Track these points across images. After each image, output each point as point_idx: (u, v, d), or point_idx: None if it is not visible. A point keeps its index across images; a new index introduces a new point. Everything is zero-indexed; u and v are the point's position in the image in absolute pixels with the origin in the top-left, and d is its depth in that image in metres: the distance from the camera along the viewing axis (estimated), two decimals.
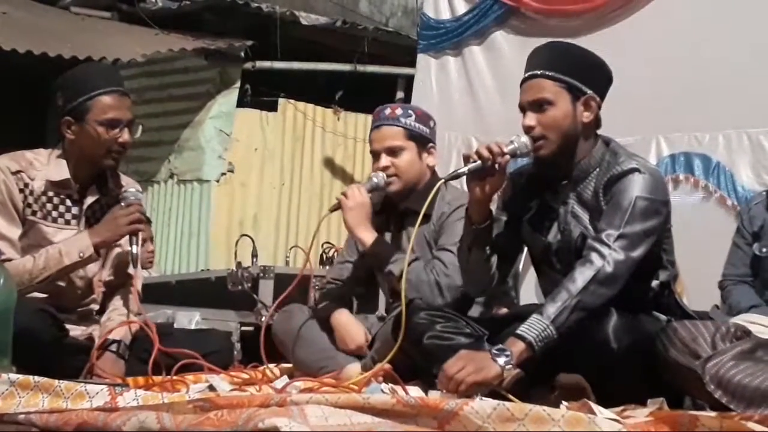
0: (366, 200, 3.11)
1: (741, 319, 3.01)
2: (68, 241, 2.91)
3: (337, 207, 3.13)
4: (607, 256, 2.52)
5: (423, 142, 3.24)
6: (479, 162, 2.62)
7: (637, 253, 2.55)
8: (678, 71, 4.72)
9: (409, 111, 3.26)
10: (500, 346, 2.44)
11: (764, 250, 3.77)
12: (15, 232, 2.91)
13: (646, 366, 2.51)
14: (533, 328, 2.45)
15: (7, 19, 6.77)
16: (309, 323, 3.25)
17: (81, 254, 2.88)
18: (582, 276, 2.50)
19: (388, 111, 3.25)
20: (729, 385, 2.37)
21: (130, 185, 3.04)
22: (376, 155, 3.22)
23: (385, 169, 3.18)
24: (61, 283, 2.97)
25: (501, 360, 2.40)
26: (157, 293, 3.91)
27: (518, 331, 2.45)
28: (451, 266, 2.99)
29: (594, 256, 2.53)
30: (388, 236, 3.24)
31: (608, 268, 2.51)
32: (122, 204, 2.94)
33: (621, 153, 2.68)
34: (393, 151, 3.19)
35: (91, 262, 2.95)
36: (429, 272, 3.03)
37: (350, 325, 3.17)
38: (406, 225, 3.20)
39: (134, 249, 2.90)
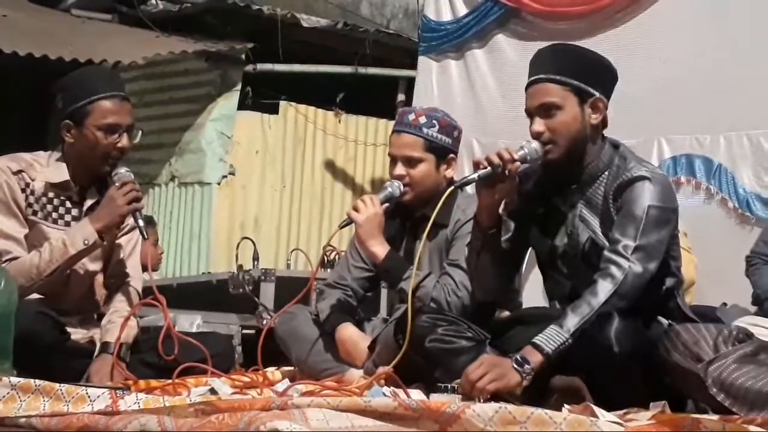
0: (378, 211, 3.04)
1: (743, 322, 3.01)
2: (71, 231, 2.90)
3: (348, 222, 3.06)
4: (627, 269, 2.52)
5: (443, 153, 3.14)
6: (489, 169, 2.60)
7: (653, 264, 2.56)
8: (679, 73, 4.72)
9: (434, 120, 3.14)
10: (522, 355, 2.43)
11: None
12: (21, 231, 2.91)
13: (648, 369, 2.50)
14: (553, 340, 2.44)
15: (8, 22, 6.76)
16: (311, 325, 3.24)
17: (86, 242, 2.87)
18: (603, 290, 2.50)
19: (411, 117, 3.16)
20: (731, 388, 2.37)
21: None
22: (393, 160, 3.16)
23: (400, 178, 3.11)
24: (64, 276, 2.96)
25: (522, 370, 2.41)
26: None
27: (537, 342, 2.44)
28: (461, 286, 2.97)
29: (613, 269, 2.52)
30: (402, 244, 3.18)
31: (628, 282, 2.51)
32: (116, 184, 2.91)
33: (630, 158, 2.67)
34: (409, 162, 3.11)
35: (97, 249, 2.94)
36: (439, 290, 3.00)
37: (357, 340, 3.10)
38: (422, 233, 3.06)
39: (140, 222, 2.90)
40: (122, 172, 2.94)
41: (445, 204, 2.68)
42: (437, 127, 3.14)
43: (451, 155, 3.18)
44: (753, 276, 3.83)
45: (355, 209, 3.06)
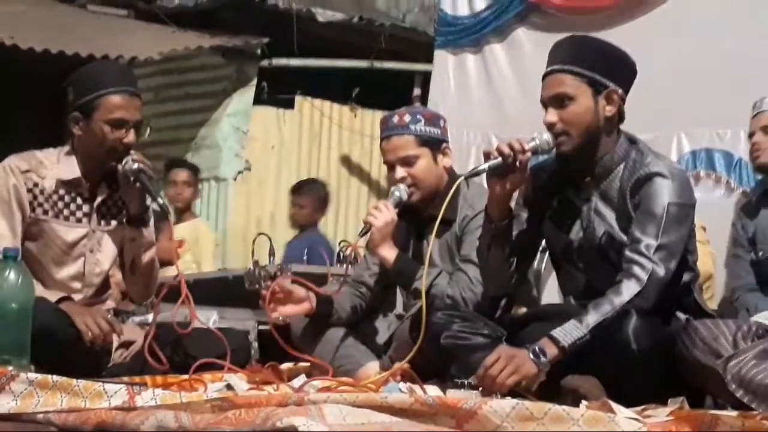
0: (394, 217, 3.06)
1: (763, 318, 2.98)
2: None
3: (368, 230, 3.07)
4: (650, 270, 2.52)
5: (436, 144, 3.14)
6: (500, 159, 2.59)
7: (674, 263, 2.57)
8: (699, 67, 4.68)
9: (418, 116, 3.15)
10: (540, 346, 2.43)
11: (761, 254, 3.68)
12: (4, 227, 2.87)
13: (666, 366, 2.49)
14: (571, 334, 2.44)
15: (25, 18, 6.80)
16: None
17: None
18: (628, 291, 2.50)
19: (395, 119, 3.15)
20: (751, 384, 2.35)
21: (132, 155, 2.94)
22: (390, 166, 3.15)
23: (402, 180, 3.10)
24: (77, 284, 2.97)
25: (539, 362, 2.41)
26: (175, 292, 3.90)
27: (555, 335, 2.44)
28: (475, 281, 2.97)
29: (637, 269, 2.52)
30: (410, 245, 3.19)
31: (652, 283, 2.51)
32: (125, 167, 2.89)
33: (647, 153, 2.66)
34: (407, 162, 3.11)
35: None
36: (454, 287, 3.00)
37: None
38: (428, 232, 3.07)
39: (159, 201, 2.90)
40: (130, 166, 2.89)
41: (452, 197, 2.67)
42: (423, 120, 3.14)
43: (444, 144, 3.18)
44: (743, 307, 3.68)
45: (371, 215, 3.06)
